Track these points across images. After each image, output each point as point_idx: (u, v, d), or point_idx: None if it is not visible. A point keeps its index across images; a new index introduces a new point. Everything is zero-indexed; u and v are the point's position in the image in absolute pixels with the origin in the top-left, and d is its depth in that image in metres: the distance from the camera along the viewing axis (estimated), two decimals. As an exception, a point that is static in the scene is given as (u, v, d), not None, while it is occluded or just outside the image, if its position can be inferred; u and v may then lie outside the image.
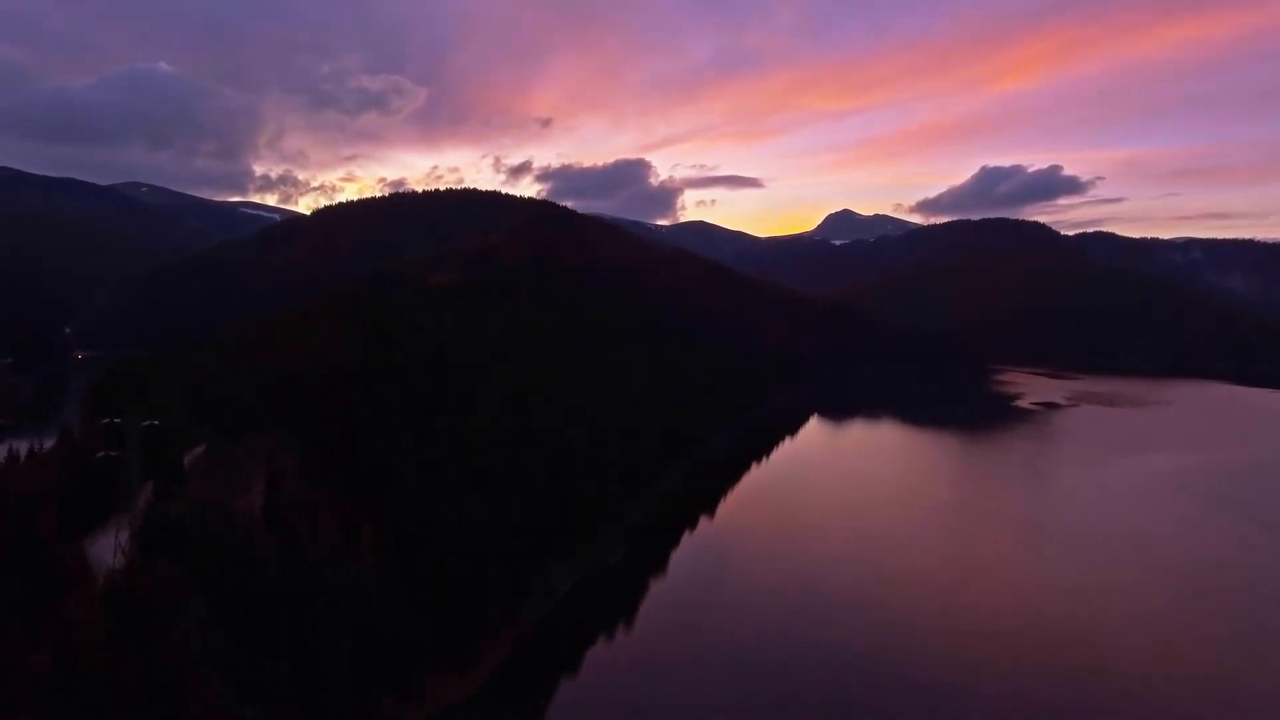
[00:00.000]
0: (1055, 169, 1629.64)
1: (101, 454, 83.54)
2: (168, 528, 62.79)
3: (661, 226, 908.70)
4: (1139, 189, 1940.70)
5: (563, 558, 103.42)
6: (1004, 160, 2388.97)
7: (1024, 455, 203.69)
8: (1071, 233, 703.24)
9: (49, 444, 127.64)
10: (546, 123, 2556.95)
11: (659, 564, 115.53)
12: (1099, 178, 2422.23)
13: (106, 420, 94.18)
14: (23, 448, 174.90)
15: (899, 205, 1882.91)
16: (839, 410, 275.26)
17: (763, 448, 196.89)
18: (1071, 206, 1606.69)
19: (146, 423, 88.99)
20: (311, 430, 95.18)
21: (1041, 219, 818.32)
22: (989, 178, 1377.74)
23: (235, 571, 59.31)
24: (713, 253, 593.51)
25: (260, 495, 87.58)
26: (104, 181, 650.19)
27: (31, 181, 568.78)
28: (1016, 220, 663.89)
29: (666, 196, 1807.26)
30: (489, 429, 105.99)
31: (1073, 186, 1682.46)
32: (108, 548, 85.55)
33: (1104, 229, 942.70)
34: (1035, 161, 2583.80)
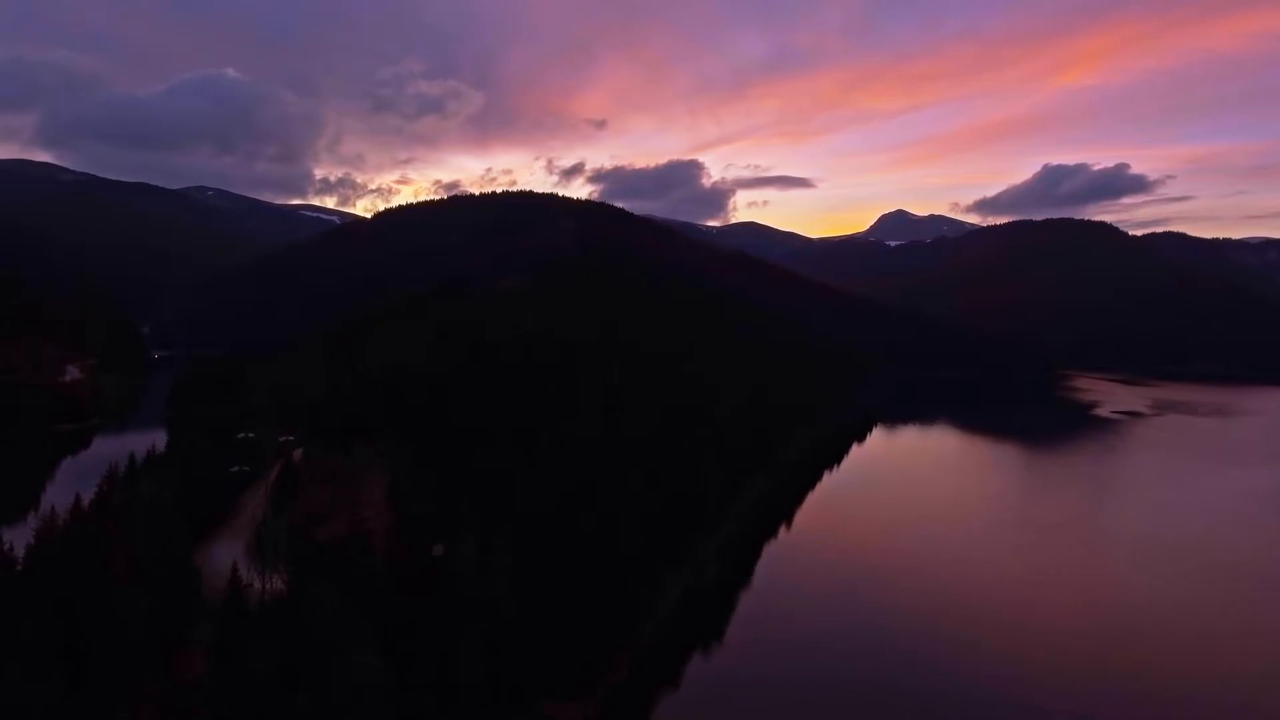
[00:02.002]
0: (1122, 167, 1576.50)
1: (236, 468, 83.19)
2: (305, 546, 61.33)
3: (712, 227, 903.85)
4: (1207, 187, 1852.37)
5: (669, 562, 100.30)
6: (1066, 158, 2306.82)
7: (1121, 470, 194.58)
8: (1138, 232, 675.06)
9: (150, 446, 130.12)
10: (601, 124, 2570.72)
11: (756, 585, 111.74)
12: (1169, 176, 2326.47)
13: (243, 435, 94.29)
14: (120, 445, 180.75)
15: (955, 205, 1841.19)
16: (912, 416, 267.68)
17: (839, 461, 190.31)
18: (1136, 205, 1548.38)
19: (283, 439, 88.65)
20: (420, 439, 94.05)
21: (1105, 218, 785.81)
22: (1051, 176, 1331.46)
23: (380, 592, 57.59)
24: (764, 254, 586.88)
25: (378, 508, 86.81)
26: (173, 186, 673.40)
27: (107, 186, 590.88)
28: (1082, 220, 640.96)
29: (717, 197, 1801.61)
30: (598, 438, 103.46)
31: (1139, 185, 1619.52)
32: (224, 557, 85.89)
33: (1171, 228, 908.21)
34: (1100, 159, 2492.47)
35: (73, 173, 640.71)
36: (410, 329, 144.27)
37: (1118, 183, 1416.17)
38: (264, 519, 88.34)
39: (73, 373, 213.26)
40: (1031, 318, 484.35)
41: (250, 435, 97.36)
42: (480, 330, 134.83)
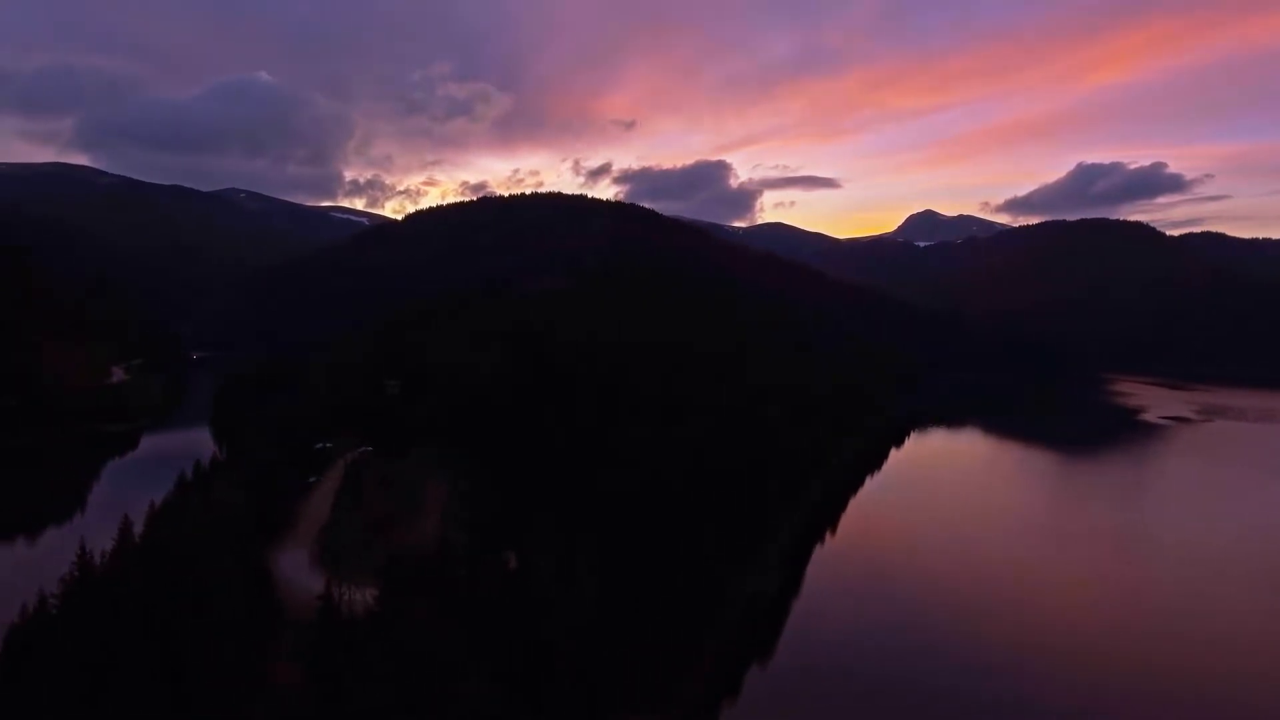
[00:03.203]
0: (1159, 166, 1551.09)
1: (314, 479, 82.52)
2: (384, 557, 60.14)
3: (738, 228, 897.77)
4: (1246, 185, 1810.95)
5: (734, 566, 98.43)
6: (1101, 157, 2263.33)
7: (1177, 478, 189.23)
8: (1174, 232, 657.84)
9: (210, 450, 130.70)
10: (630, 125, 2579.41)
11: (814, 591, 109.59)
12: (1207, 175, 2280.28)
13: (320, 446, 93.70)
14: (168, 446, 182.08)
15: (985, 205, 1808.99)
16: (955, 420, 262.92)
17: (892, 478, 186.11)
18: (1171, 205, 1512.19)
19: (359, 450, 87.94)
20: (480, 444, 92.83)
21: (1140, 218, 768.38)
22: (1085, 175, 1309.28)
23: (466, 605, 56.22)
24: (791, 254, 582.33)
25: (440, 515, 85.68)
26: (207, 188, 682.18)
27: (144, 188, 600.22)
28: (1117, 220, 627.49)
29: (743, 198, 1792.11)
30: (656, 439, 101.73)
31: (1176, 184, 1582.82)
32: (291, 565, 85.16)
33: (1207, 228, 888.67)
34: (1135, 158, 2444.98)
35: (110, 175, 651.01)
36: (461, 330, 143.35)
37: (1154, 182, 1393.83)
38: (328, 526, 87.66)
39: (118, 374, 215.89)
40: (1066, 320, 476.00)
41: (328, 445, 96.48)
42: (532, 331, 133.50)
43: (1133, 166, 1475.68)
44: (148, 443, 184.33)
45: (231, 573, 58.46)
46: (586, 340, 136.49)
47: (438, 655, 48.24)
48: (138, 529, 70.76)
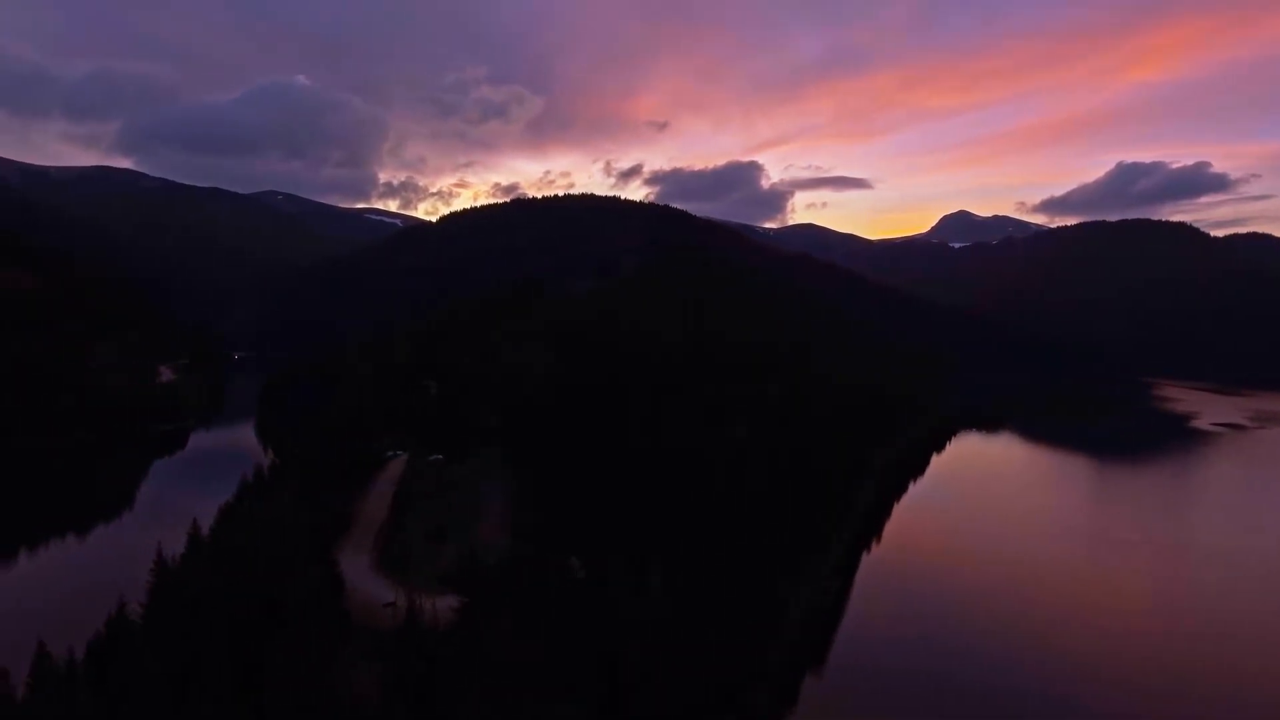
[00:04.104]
0: (1202, 165, 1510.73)
1: (411, 493, 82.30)
2: (473, 571, 59.32)
3: (769, 229, 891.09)
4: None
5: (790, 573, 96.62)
6: (1141, 156, 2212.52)
7: (1239, 488, 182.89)
8: (1218, 233, 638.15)
9: (268, 454, 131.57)
10: (663, 126, 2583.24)
11: (868, 595, 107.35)
12: (1253, 174, 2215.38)
13: (391, 454, 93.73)
14: (216, 445, 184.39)
15: (1021, 205, 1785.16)
16: (999, 423, 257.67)
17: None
18: (1214, 205, 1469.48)
19: (434, 457, 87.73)
20: (537, 447, 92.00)
21: (1181, 218, 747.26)
22: (1125, 175, 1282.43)
23: (545, 614, 55.20)
24: (823, 256, 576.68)
25: (499, 520, 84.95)
26: (245, 190, 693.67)
27: (185, 191, 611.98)
28: (1160, 221, 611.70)
29: (773, 199, 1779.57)
30: (710, 441, 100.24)
31: (1220, 184, 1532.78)
32: (352, 570, 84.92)
33: (1253, 229, 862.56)
34: (1178, 157, 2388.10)
35: (151, 178, 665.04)
36: (508, 333, 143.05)
37: (1197, 181, 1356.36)
38: (387, 531, 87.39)
39: (166, 374, 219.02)
40: (1106, 322, 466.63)
41: (397, 453, 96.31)
42: (581, 334, 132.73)
43: (1175, 166, 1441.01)
44: (196, 442, 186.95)
45: (304, 580, 58.10)
46: (635, 342, 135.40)
47: (523, 668, 47.30)
48: (202, 531, 70.89)
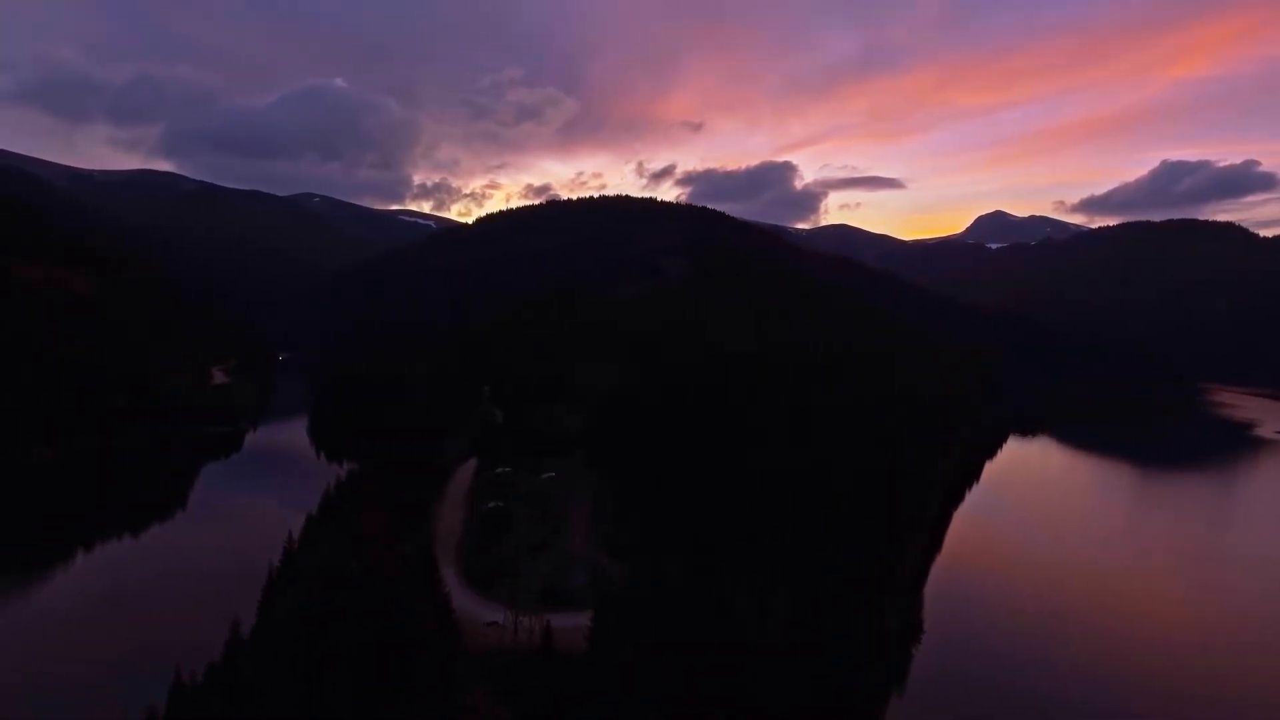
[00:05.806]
0: (1250, 164, 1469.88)
1: (493, 504, 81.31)
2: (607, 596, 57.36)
3: (803, 230, 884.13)
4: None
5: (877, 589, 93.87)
6: (1185, 154, 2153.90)
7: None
8: (1266, 233, 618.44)
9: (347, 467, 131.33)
10: (698, 127, 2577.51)
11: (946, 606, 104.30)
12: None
13: (500, 470, 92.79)
14: (273, 446, 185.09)
15: (1059, 204, 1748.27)
16: (1049, 429, 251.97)
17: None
18: (1259, 204, 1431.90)
19: (502, 469, 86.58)
20: (622, 459, 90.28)
21: (1226, 218, 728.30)
22: (1169, 173, 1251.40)
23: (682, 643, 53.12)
24: (856, 256, 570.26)
25: (585, 533, 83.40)
26: (283, 192, 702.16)
27: (224, 194, 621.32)
28: (1206, 221, 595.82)
29: (807, 199, 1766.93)
30: (787, 452, 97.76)
31: (1268, 183, 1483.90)
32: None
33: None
34: (1224, 155, 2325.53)
35: (191, 181, 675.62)
36: (571, 340, 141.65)
37: (1244, 180, 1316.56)
38: (469, 546, 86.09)
39: (219, 375, 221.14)
40: (1151, 324, 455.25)
41: (507, 469, 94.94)
42: (646, 342, 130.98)
43: (1221, 164, 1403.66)
44: (252, 443, 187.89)
45: (420, 603, 56.92)
46: (698, 351, 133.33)
47: (657, 700, 45.55)
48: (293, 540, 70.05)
